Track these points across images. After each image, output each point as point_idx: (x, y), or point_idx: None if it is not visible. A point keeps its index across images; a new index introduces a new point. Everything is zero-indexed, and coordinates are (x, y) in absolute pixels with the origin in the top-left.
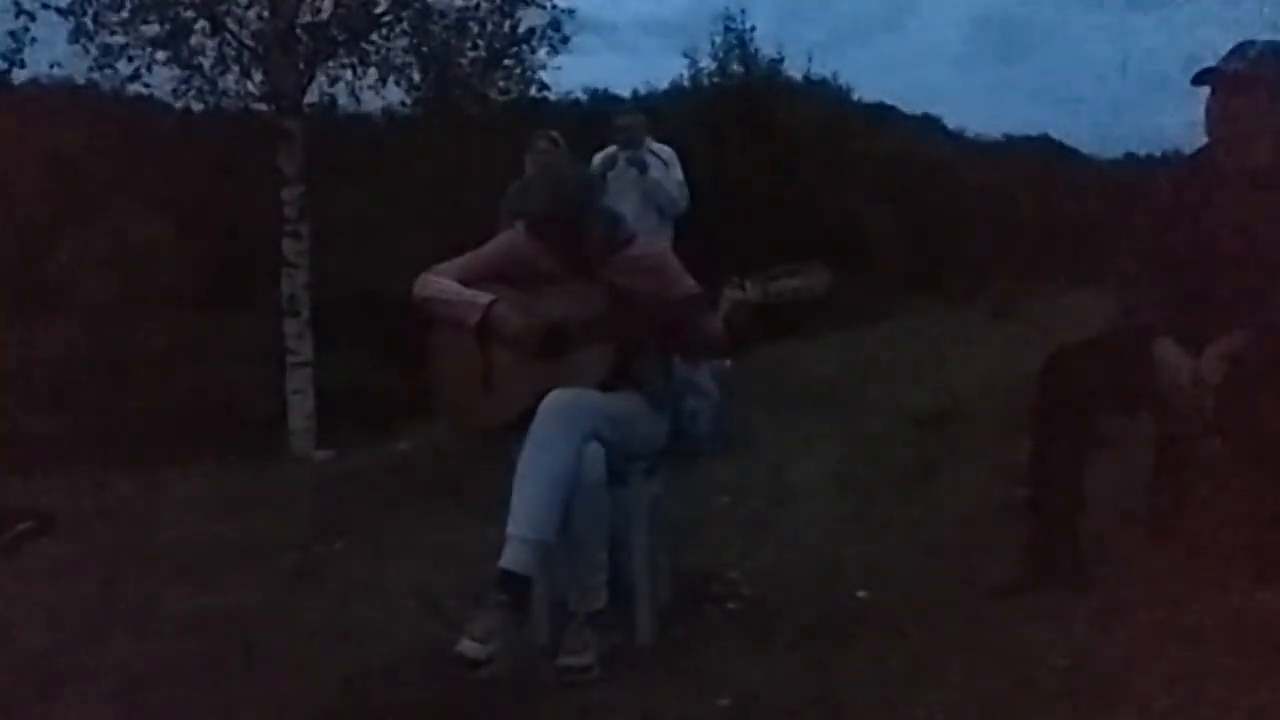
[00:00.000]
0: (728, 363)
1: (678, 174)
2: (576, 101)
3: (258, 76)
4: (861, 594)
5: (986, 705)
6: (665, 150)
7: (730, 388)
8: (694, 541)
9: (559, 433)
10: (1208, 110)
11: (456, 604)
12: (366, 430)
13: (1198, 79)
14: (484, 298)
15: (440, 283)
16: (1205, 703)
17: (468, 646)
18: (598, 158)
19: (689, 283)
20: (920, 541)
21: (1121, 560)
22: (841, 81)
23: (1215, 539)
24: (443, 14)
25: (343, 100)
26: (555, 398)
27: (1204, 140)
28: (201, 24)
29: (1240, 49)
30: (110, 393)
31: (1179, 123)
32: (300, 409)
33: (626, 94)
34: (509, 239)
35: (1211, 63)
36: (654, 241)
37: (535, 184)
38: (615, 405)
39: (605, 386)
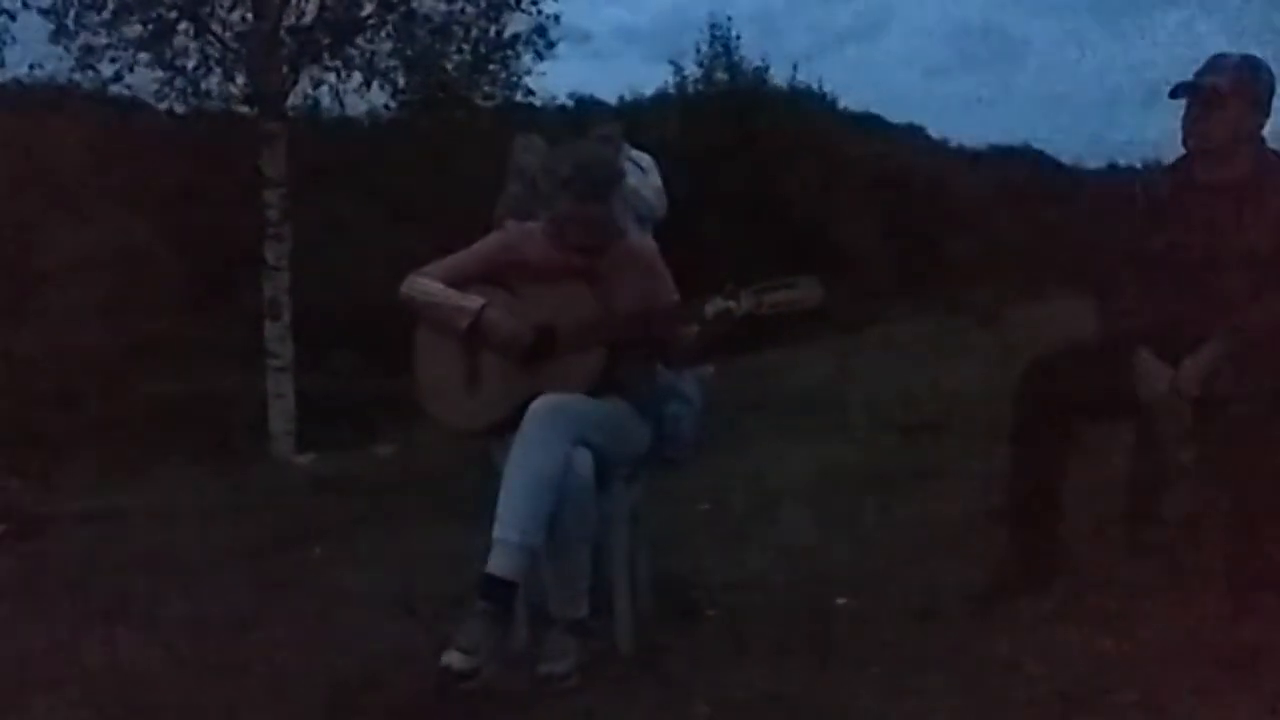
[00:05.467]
0: (711, 369)
1: (656, 180)
2: (562, 107)
3: (241, 79)
4: (841, 601)
5: (964, 713)
6: (645, 158)
7: (713, 394)
8: (675, 548)
9: (548, 436)
10: (1184, 122)
11: (437, 610)
12: (347, 435)
13: (1174, 92)
14: (474, 301)
15: (428, 285)
16: (1180, 713)
17: (454, 658)
18: None
19: (671, 290)
20: (901, 549)
21: (1099, 569)
22: (827, 89)
23: (1192, 548)
24: (428, 18)
25: (326, 103)
26: (543, 402)
27: (1182, 151)
28: (184, 25)
29: (1215, 61)
30: (89, 395)
31: (1162, 133)
32: (281, 413)
33: (612, 101)
34: (498, 240)
35: (1189, 75)
36: (646, 240)
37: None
38: (602, 410)
39: (592, 391)
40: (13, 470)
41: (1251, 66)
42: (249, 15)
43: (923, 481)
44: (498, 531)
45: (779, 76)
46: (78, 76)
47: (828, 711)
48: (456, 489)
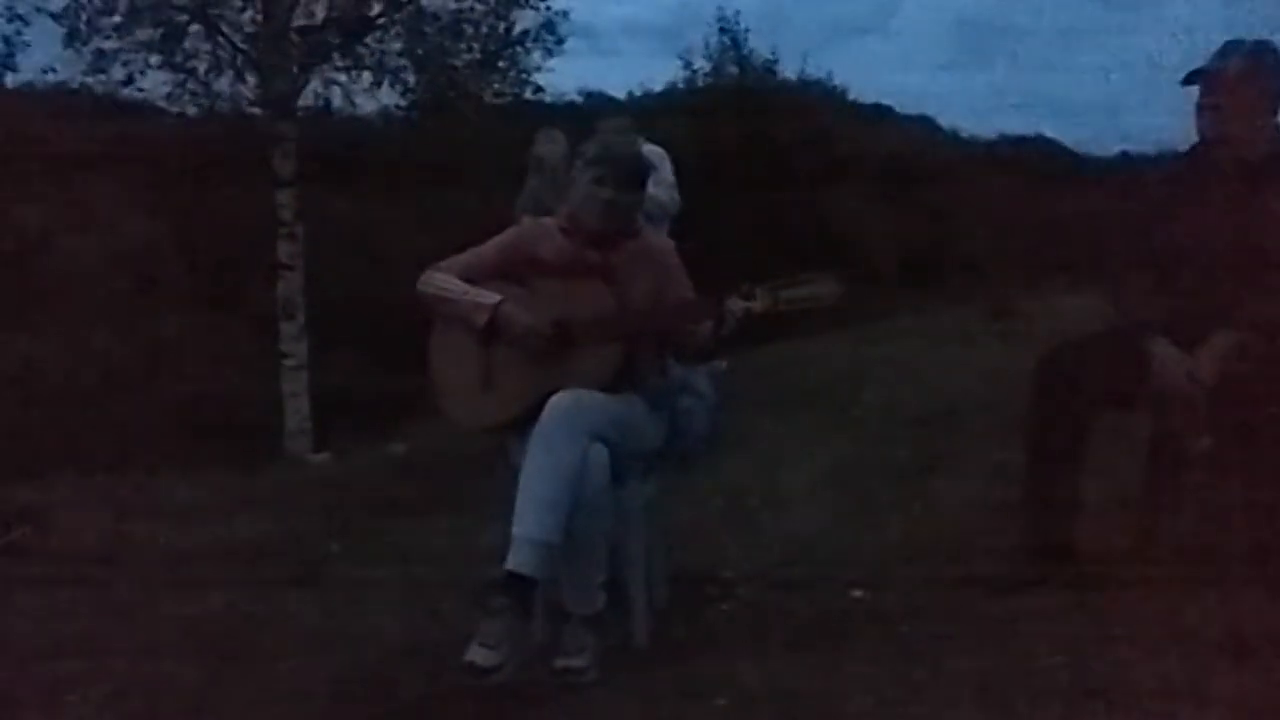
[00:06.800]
0: (725, 364)
1: (668, 176)
2: (572, 104)
3: (251, 80)
4: (858, 594)
5: (982, 705)
6: (658, 152)
7: (727, 388)
8: (690, 543)
9: (565, 433)
10: (1198, 109)
11: (453, 606)
12: (362, 433)
13: (1188, 79)
14: (491, 297)
15: (444, 281)
16: (1199, 703)
17: (479, 654)
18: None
19: (687, 286)
20: (916, 541)
21: (1116, 560)
22: (836, 82)
23: (1209, 538)
24: (437, 16)
25: (337, 103)
26: (561, 399)
27: (1196, 139)
28: (195, 28)
29: (1228, 48)
30: (104, 395)
31: (1174, 122)
32: (296, 411)
33: (621, 96)
34: (513, 235)
35: (1202, 62)
36: (661, 237)
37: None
38: (617, 407)
39: (607, 387)
40: (30, 472)
41: (1265, 52)
42: (259, 17)
43: (937, 473)
44: (517, 528)
45: (788, 69)
46: (90, 80)
47: (844, 704)
48: (472, 486)
